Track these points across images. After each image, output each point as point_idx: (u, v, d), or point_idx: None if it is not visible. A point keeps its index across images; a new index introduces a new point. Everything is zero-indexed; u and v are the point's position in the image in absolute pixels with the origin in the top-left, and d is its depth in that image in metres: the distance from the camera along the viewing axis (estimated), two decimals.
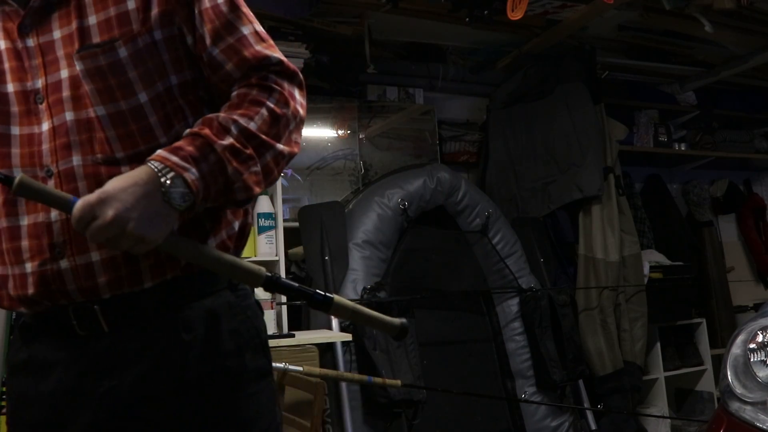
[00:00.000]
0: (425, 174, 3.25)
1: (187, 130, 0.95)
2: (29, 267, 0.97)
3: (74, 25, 0.97)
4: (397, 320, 1.10)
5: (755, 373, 1.78)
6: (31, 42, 0.99)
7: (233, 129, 0.94)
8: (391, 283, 3.03)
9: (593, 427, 3.36)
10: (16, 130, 0.98)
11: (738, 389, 1.79)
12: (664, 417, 3.66)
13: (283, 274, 2.85)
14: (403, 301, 2.93)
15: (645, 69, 4.16)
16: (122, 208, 0.86)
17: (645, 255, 3.84)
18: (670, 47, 3.92)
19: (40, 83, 0.98)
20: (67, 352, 0.99)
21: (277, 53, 1.03)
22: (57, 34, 0.98)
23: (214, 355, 1.00)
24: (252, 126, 0.95)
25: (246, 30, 1.02)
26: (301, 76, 1.06)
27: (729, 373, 1.83)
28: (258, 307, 1.11)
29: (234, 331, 1.03)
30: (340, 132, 3.54)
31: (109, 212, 0.86)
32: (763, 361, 1.79)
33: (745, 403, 1.76)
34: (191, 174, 0.90)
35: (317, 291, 1.02)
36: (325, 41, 3.27)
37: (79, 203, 0.86)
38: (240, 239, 1.07)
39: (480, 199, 3.40)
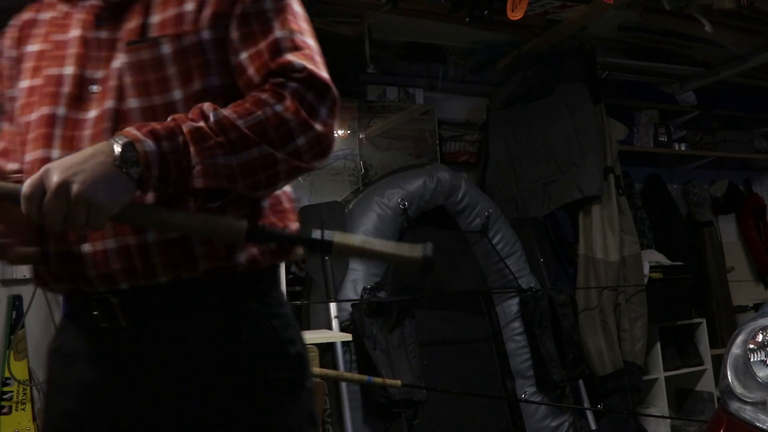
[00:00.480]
0: (425, 174, 3.25)
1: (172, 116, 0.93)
2: (52, 246, 0.98)
3: (139, 21, 1.00)
4: (418, 250, 0.93)
5: (755, 373, 1.78)
6: (103, 34, 1.02)
7: (211, 116, 0.91)
8: (391, 283, 3.03)
9: (593, 427, 3.36)
10: (61, 111, 1.00)
11: (738, 389, 1.79)
12: (664, 417, 3.66)
13: (283, 274, 2.84)
14: (403, 301, 2.93)
15: (645, 69, 4.16)
16: (66, 173, 0.83)
17: (645, 255, 3.84)
18: (670, 47, 3.92)
19: (100, 73, 1.00)
20: (90, 344, 1.00)
21: (306, 61, 0.98)
22: (126, 27, 1.01)
23: (228, 361, 0.98)
24: (235, 118, 0.91)
25: (280, 34, 0.99)
26: (333, 91, 1.00)
27: (729, 373, 1.83)
28: (291, 317, 1.07)
29: (254, 339, 1.00)
30: (340, 132, 3.54)
31: (53, 179, 0.82)
32: (763, 361, 1.79)
33: (745, 403, 1.76)
34: (147, 146, 0.87)
35: (313, 233, 0.92)
36: (324, 41, 3.25)
37: (26, 182, 0.84)
38: (279, 249, 1.04)
39: (480, 199, 3.40)
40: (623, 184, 3.81)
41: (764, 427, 1.69)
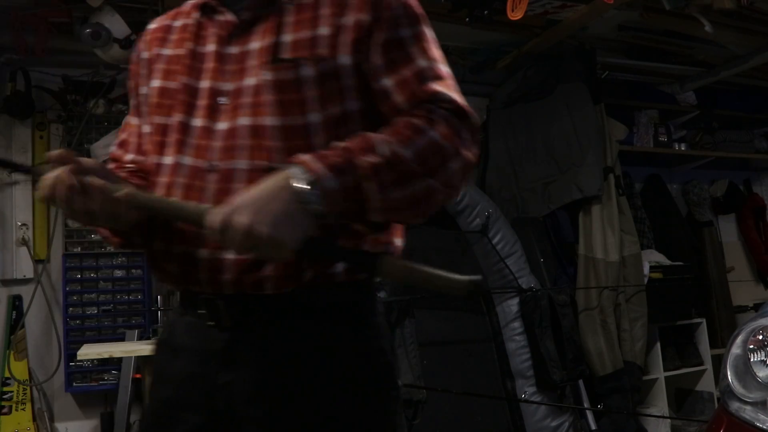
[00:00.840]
0: None
1: (338, 143, 0.95)
2: (176, 247, 1.04)
3: (271, 39, 1.04)
4: (465, 277, 0.91)
5: (755, 373, 1.78)
6: (233, 50, 1.07)
7: (383, 149, 0.93)
8: (391, 282, 3.03)
9: (593, 427, 3.36)
10: (197, 122, 1.06)
11: (738, 389, 1.79)
12: (664, 417, 3.65)
13: None
14: (403, 300, 2.93)
15: (645, 69, 4.16)
16: (252, 213, 0.88)
17: (645, 255, 3.84)
18: (670, 47, 3.92)
19: (230, 86, 1.05)
20: (195, 340, 1.06)
21: (452, 92, 1.02)
22: (255, 45, 1.05)
23: (323, 368, 1.02)
24: (403, 152, 0.93)
25: (423, 63, 1.03)
26: (475, 119, 1.05)
27: (729, 373, 1.83)
28: (384, 328, 1.11)
29: (348, 349, 1.04)
30: None
31: (240, 219, 0.88)
32: (763, 361, 1.79)
33: (745, 403, 1.76)
34: (329, 184, 0.90)
35: (360, 250, 0.97)
36: None
37: (211, 215, 0.90)
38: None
39: (480, 199, 3.40)
40: (623, 184, 3.81)
41: (764, 427, 1.69)
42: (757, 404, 1.73)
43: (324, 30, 1.02)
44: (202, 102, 1.06)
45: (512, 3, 2.71)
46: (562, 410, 3.26)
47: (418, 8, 1.08)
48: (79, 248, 3.21)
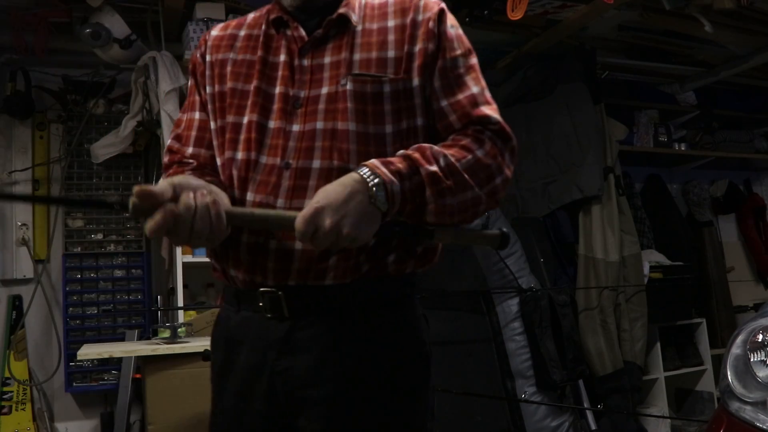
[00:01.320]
0: None
1: (401, 151, 1.08)
2: (245, 237, 1.13)
3: (344, 56, 1.17)
4: (496, 231, 1.15)
5: (755, 373, 1.78)
6: (306, 62, 1.19)
7: (441, 161, 1.07)
8: None
9: (593, 427, 3.36)
10: (272, 124, 1.17)
11: (738, 389, 1.78)
12: (664, 417, 3.66)
13: None
14: None
15: (645, 69, 4.16)
16: (337, 215, 0.99)
17: (645, 255, 3.84)
18: (670, 47, 3.92)
19: (303, 93, 1.17)
20: (255, 332, 1.15)
21: (497, 115, 1.19)
22: (327, 59, 1.18)
23: (376, 356, 1.13)
24: (458, 165, 1.08)
25: (475, 89, 1.20)
26: (515, 141, 1.21)
27: (729, 373, 1.83)
28: (425, 321, 1.22)
29: (395, 341, 1.15)
30: None
31: (327, 222, 0.98)
32: (763, 361, 1.79)
33: (745, 403, 1.75)
34: (395, 187, 1.03)
35: (417, 224, 1.07)
36: None
37: (299, 220, 0.99)
38: (424, 257, 1.21)
39: None
40: (623, 184, 3.81)
41: (764, 427, 1.68)
42: (757, 404, 1.73)
43: (392, 53, 1.17)
44: (275, 106, 1.17)
45: (512, 3, 2.71)
46: (562, 410, 3.26)
47: (468, 42, 1.27)
48: (79, 248, 3.21)
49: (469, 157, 1.10)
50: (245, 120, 1.18)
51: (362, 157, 1.10)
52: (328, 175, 1.10)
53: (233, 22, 1.33)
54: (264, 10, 1.29)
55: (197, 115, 1.28)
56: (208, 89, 1.27)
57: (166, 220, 0.97)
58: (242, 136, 1.18)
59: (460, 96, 1.18)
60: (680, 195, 4.78)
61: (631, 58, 4.02)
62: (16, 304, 3.14)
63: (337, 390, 1.10)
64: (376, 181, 1.01)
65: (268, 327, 1.14)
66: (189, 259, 3.02)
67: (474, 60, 1.26)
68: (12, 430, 2.97)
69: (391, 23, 1.21)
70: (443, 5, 1.24)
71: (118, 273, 3.25)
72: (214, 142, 1.24)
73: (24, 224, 3.21)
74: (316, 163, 1.12)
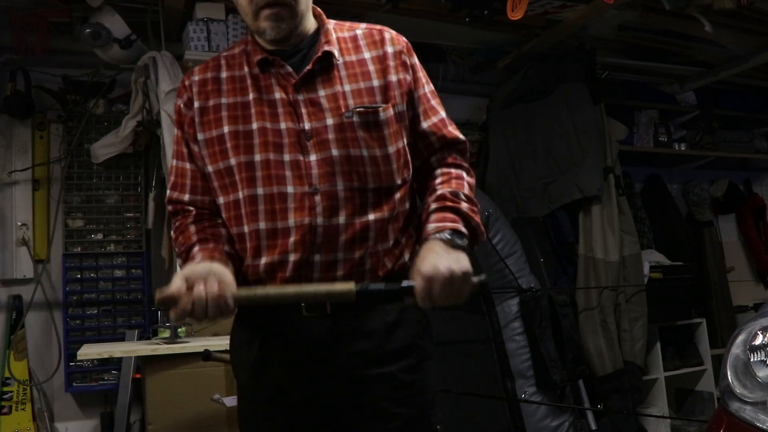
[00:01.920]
0: None
1: (436, 205, 1.35)
2: (292, 256, 1.29)
3: (338, 89, 1.34)
4: (475, 280, 1.29)
5: (755, 373, 1.78)
6: (301, 96, 1.33)
7: (462, 197, 1.37)
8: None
9: (593, 427, 3.36)
10: (287, 157, 1.31)
11: (738, 389, 1.78)
12: (664, 417, 3.66)
13: None
14: None
15: (645, 69, 4.16)
16: (466, 270, 1.25)
17: (645, 255, 3.84)
18: (670, 47, 3.92)
19: (308, 126, 1.31)
20: (295, 328, 1.31)
21: (460, 134, 1.47)
22: (321, 92, 1.34)
23: (406, 335, 1.36)
24: (468, 193, 1.39)
25: (443, 114, 1.46)
26: (467, 144, 1.50)
27: (729, 373, 1.83)
28: None
29: (418, 320, 1.40)
30: None
31: (459, 275, 1.24)
32: (763, 361, 1.79)
33: (745, 403, 1.75)
34: (463, 235, 1.32)
35: (403, 283, 1.24)
36: None
37: (441, 279, 1.24)
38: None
39: (480, 198, 3.36)
40: (623, 184, 3.81)
41: (764, 427, 1.68)
42: (757, 404, 1.73)
43: (376, 82, 1.36)
44: (286, 140, 1.31)
45: (512, 3, 2.71)
46: (562, 410, 3.26)
47: None
48: (79, 248, 3.21)
49: (466, 184, 1.41)
50: (257, 158, 1.31)
51: (376, 177, 1.33)
52: (352, 195, 1.30)
53: (210, 63, 1.43)
54: (237, 49, 1.42)
55: (188, 165, 1.40)
56: (200, 136, 1.37)
57: (185, 312, 1.20)
58: (260, 173, 1.31)
59: (435, 119, 1.44)
60: (680, 195, 4.78)
61: (631, 58, 4.03)
62: (16, 304, 3.14)
63: (374, 369, 1.32)
64: (459, 240, 1.29)
65: (310, 324, 1.30)
66: None
67: (432, 86, 1.49)
68: (12, 430, 2.97)
69: (367, 55, 1.39)
70: (406, 39, 1.45)
71: (118, 273, 3.24)
72: (215, 184, 1.36)
73: (24, 224, 3.21)
74: (340, 185, 1.30)
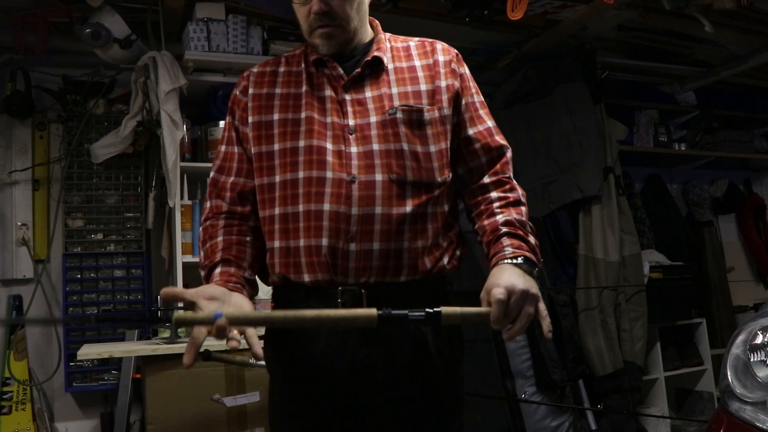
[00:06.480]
0: None
1: (507, 229, 1.38)
2: (325, 241, 1.32)
3: (384, 90, 1.42)
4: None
5: (755, 373, 1.78)
6: (348, 96, 1.41)
7: (530, 230, 1.41)
8: None
9: (593, 427, 3.36)
10: (330, 146, 1.37)
11: (738, 389, 1.79)
12: (664, 417, 3.66)
13: None
14: None
15: (645, 69, 4.16)
16: (536, 292, 1.27)
17: (645, 255, 3.84)
18: (670, 47, 3.92)
19: (352, 122, 1.39)
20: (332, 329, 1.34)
21: (505, 142, 1.52)
22: (368, 93, 1.42)
23: (441, 334, 1.39)
24: (531, 225, 1.43)
25: (490, 123, 1.52)
26: (511, 152, 1.54)
27: (729, 373, 1.83)
28: None
29: (449, 326, 1.39)
30: None
31: (531, 298, 1.26)
32: (763, 361, 1.79)
33: (745, 403, 1.76)
34: (534, 262, 1.35)
35: (425, 310, 1.21)
36: None
37: (513, 301, 1.25)
38: (460, 258, 1.48)
39: None
40: (623, 184, 3.81)
41: (764, 427, 1.69)
42: (757, 404, 1.73)
43: (424, 86, 1.44)
44: (330, 132, 1.38)
45: (512, 3, 2.71)
46: (562, 410, 3.26)
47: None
48: (79, 248, 3.21)
49: (523, 210, 1.45)
50: (302, 144, 1.38)
51: (416, 171, 1.37)
52: (390, 186, 1.34)
53: (271, 60, 1.53)
54: (298, 50, 1.52)
55: (236, 149, 1.48)
56: (251, 119, 1.45)
57: (198, 336, 1.24)
58: (302, 158, 1.37)
59: (482, 128, 1.49)
60: (680, 195, 4.78)
61: (631, 58, 4.02)
62: (16, 304, 3.14)
63: (412, 366, 1.35)
64: (530, 266, 1.33)
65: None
66: (189, 259, 3.02)
67: (482, 97, 1.55)
68: (12, 430, 2.97)
69: (418, 63, 1.47)
70: (456, 50, 1.53)
71: (118, 273, 3.24)
72: (255, 164, 1.43)
73: (24, 224, 3.21)
74: (378, 177, 1.35)
